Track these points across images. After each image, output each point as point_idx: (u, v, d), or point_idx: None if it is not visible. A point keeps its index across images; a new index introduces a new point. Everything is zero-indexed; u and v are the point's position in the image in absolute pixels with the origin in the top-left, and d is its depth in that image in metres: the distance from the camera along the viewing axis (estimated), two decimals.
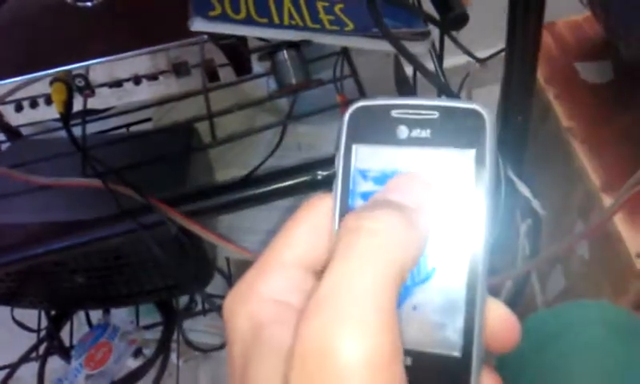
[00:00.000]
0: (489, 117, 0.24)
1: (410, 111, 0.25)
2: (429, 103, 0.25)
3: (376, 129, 0.25)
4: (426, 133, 0.25)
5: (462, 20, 0.58)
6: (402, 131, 0.25)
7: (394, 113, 0.25)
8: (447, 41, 0.66)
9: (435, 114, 0.25)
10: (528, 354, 0.47)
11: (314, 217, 0.25)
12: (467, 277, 0.23)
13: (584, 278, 0.65)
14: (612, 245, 0.57)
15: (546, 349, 0.47)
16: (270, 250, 0.25)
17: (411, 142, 0.25)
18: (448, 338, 0.23)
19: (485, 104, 0.24)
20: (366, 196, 0.25)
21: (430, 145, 0.25)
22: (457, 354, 0.23)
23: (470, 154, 0.24)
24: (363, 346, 0.19)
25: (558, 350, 0.47)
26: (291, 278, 0.24)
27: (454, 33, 0.65)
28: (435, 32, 0.62)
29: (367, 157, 0.25)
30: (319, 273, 0.25)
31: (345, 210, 0.25)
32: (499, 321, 0.24)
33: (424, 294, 0.23)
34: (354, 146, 0.26)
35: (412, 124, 0.25)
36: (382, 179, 0.25)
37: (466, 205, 0.24)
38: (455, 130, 0.24)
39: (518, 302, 0.64)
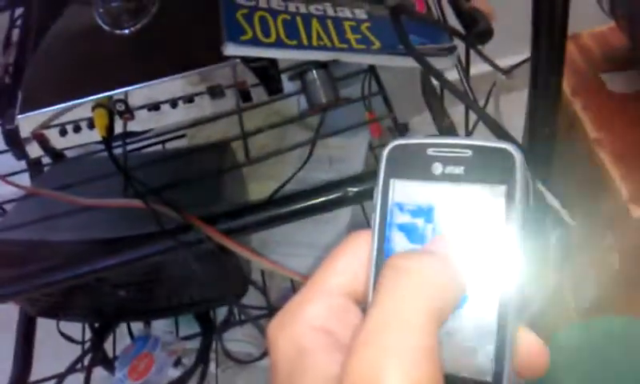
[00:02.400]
0: (518, 155, 0.25)
1: (445, 149, 0.26)
2: (462, 142, 0.26)
3: (412, 165, 0.27)
4: (459, 169, 0.26)
5: (487, 34, 0.59)
6: (437, 168, 0.26)
7: (430, 151, 0.27)
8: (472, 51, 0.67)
9: (468, 153, 0.26)
10: (557, 369, 0.47)
11: (357, 248, 0.27)
12: (499, 306, 0.24)
13: (614, 287, 0.65)
14: None
15: (575, 365, 0.47)
16: (315, 278, 0.26)
17: (445, 177, 0.26)
18: (480, 364, 0.24)
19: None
20: (402, 227, 0.27)
21: (462, 181, 0.26)
22: (489, 379, 0.24)
23: (501, 189, 0.25)
24: (408, 378, 0.21)
25: (586, 365, 0.47)
26: (334, 305, 0.25)
27: (479, 46, 0.65)
28: (461, 45, 0.63)
29: (404, 191, 0.27)
30: (360, 301, 0.26)
31: (382, 240, 0.27)
32: (528, 348, 0.25)
33: (457, 321, 0.25)
34: (391, 181, 0.27)
35: (446, 161, 0.26)
36: (417, 212, 0.26)
37: (498, 237, 0.25)
38: (487, 167, 0.26)
39: (548, 313, 0.64)
